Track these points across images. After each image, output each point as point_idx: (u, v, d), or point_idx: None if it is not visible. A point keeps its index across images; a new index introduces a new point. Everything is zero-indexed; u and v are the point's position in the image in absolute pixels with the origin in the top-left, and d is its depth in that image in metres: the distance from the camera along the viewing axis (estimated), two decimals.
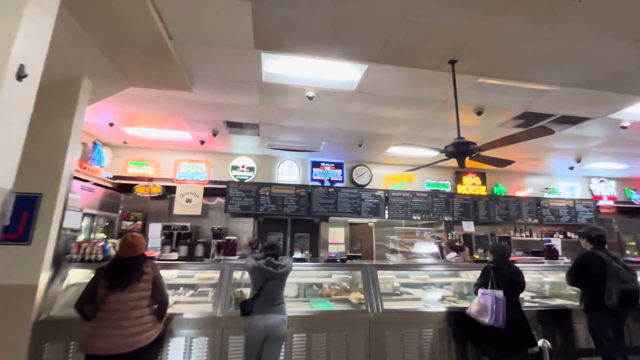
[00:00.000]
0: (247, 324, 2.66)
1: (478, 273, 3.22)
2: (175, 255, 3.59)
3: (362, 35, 2.98)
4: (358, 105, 4.49)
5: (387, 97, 4.24)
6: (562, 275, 4.11)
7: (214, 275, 3.32)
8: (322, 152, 6.93)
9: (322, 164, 7.44)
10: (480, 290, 3.02)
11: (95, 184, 5.72)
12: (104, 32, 2.77)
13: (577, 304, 3.62)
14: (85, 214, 5.11)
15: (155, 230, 6.26)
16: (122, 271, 2.34)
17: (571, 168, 7.64)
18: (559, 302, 3.81)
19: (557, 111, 4.54)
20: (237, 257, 3.76)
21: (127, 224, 6.48)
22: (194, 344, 2.82)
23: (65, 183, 2.97)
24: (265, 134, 5.82)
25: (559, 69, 3.47)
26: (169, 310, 2.96)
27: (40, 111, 3.01)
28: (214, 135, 5.77)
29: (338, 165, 7.50)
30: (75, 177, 5.11)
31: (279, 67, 3.63)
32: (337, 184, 7.33)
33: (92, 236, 5.17)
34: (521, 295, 3.22)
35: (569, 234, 8.02)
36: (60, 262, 3.00)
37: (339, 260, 3.70)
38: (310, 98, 4.14)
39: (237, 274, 3.45)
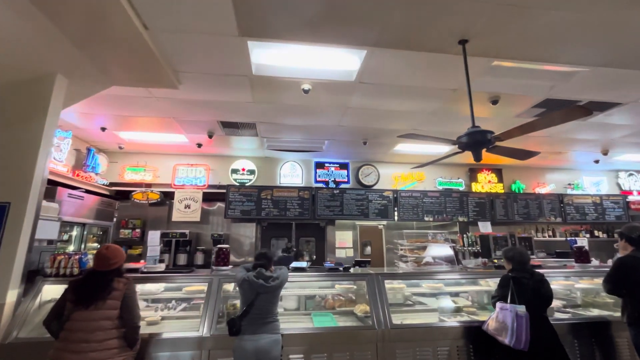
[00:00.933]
0: (235, 346, 2.37)
1: (498, 281, 2.82)
2: (162, 266, 3.31)
3: (358, 14, 2.64)
4: (359, 98, 4.15)
5: (391, 87, 3.89)
6: (596, 281, 3.68)
7: (203, 287, 3.02)
8: (326, 152, 6.63)
9: (326, 165, 7.14)
10: (498, 305, 2.60)
11: (88, 191, 5.54)
12: (72, 23, 2.53)
13: (617, 314, 3.18)
14: (75, 224, 4.91)
15: (154, 238, 5.99)
16: (90, 286, 2.10)
17: (596, 161, 7.09)
18: (595, 312, 3.36)
19: (584, 96, 4.08)
20: (230, 267, 3.45)
21: (125, 232, 6.29)
22: None
23: (36, 190, 2.73)
24: (264, 134, 5.55)
25: (588, 45, 3.05)
26: (149, 330, 2.70)
27: (8, 112, 2.81)
28: (210, 137, 5.53)
29: (343, 166, 7.19)
30: (63, 185, 4.94)
31: (270, 57, 3.34)
32: (342, 185, 7.02)
33: (82, 246, 4.98)
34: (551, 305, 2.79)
35: (596, 233, 7.46)
36: (32, 278, 2.76)
37: (341, 269, 3.36)
38: (306, 91, 3.83)
39: (229, 286, 3.17)
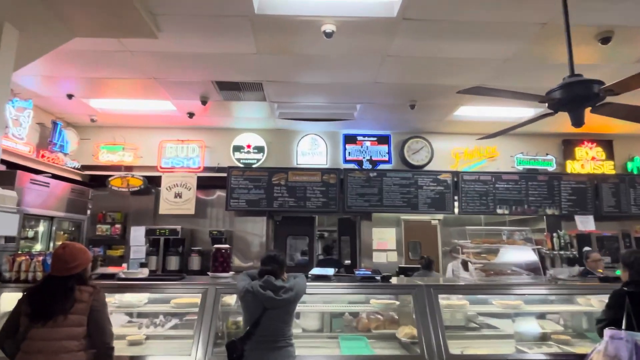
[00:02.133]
0: None
1: (604, 299, 2.68)
2: (144, 272, 3.42)
3: None
4: (403, 41, 4.00)
5: (449, 24, 3.71)
6: None
7: (196, 300, 3.10)
8: (358, 121, 6.57)
9: (359, 138, 7.12)
10: (607, 332, 2.48)
11: (55, 176, 5.84)
12: None
13: None
14: (41, 217, 5.21)
15: (137, 236, 6.30)
16: (46, 296, 2.18)
17: None
18: None
19: None
20: (232, 274, 3.51)
21: (102, 228, 6.59)
22: None
23: None
24: (274, 97, 5.55)
25: None
26: (130, 351, 2.81)
27: None
28: (204, 103, 5.62)
29: (382, 139, 7.13)
30: (24, 168, 5.21)
31: None
32: (381, 166, 6.97)
33: (51, 245, 5.30)
34: None
35: None
36: None
37: (378, 279, 3.31)
38: (328, 35, 3.73)
39: (231, 299, 3.23)
